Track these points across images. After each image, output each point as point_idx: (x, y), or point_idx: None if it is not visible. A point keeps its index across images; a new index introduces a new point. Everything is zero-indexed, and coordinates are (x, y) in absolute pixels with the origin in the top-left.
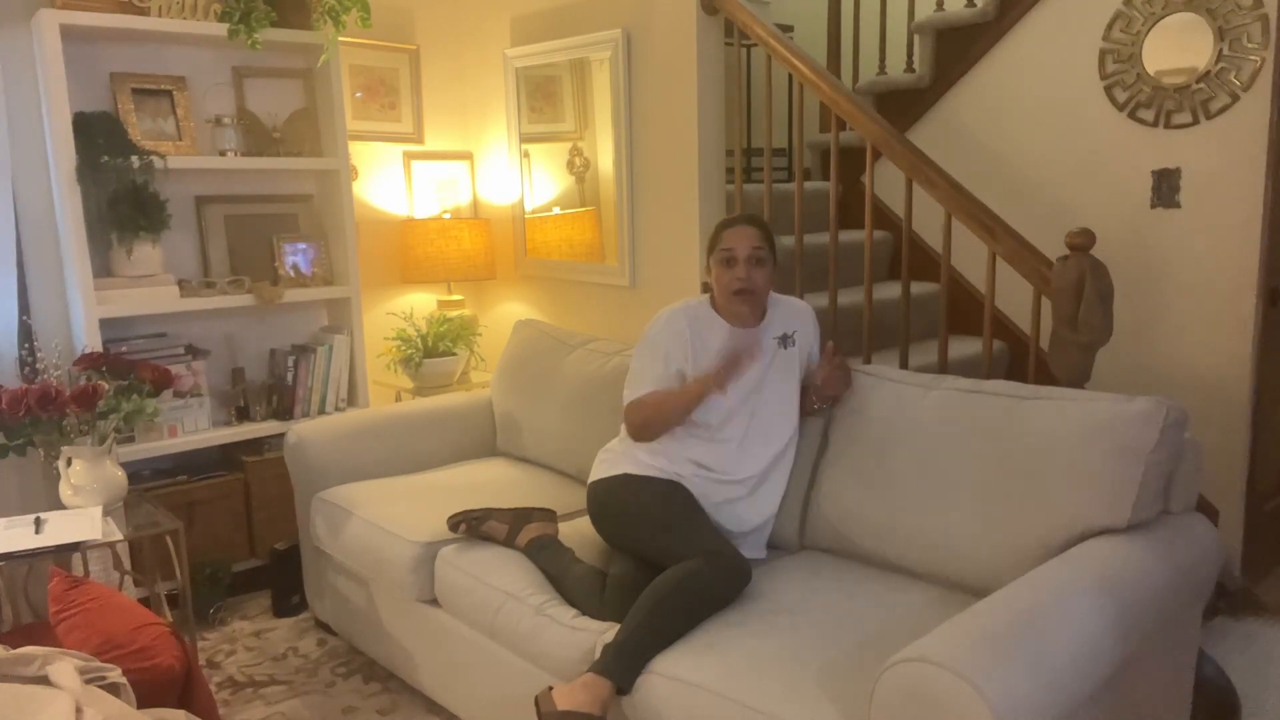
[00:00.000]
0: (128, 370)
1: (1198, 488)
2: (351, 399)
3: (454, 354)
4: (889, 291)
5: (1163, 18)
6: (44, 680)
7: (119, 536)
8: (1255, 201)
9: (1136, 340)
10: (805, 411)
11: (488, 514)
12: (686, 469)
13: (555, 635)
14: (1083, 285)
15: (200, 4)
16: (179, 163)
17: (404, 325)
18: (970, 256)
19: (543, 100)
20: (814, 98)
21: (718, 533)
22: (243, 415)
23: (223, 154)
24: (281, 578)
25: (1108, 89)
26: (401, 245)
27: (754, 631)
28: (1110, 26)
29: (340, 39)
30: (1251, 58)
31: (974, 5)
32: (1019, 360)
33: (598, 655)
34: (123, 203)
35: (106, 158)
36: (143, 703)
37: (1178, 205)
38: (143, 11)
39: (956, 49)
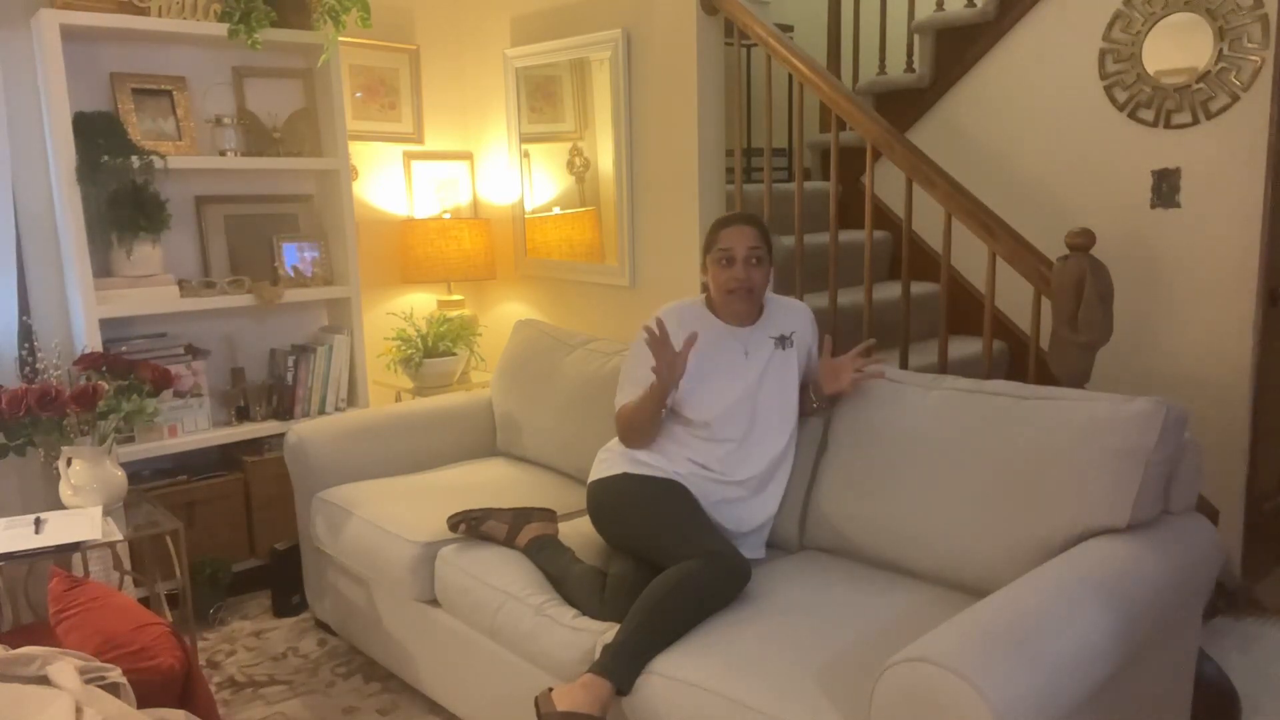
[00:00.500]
0: (128, 370)
1: (1198, 488)
2: (351, 399)
3: (454, 354)
4: (889, 291)
5: (1163, 18)
6: (44, 680)
7: (119, 536)
8: (1255, 201)
9: (1136, 340)
10: (805, 411)
11: (488, 514)
12: (685, 468)
13: (555, 635)
14: (1083, 285)
15: (200, 4)
16: (179, 163)
17: (404, 325)
18: (970, 256)
19: (543, 100)
20: (814, 98)
21: (717, 532)
22: (243, 415)
23: (223, 154)
24: (281, 578)
25: (1108, 89)
26: (401, 245)
27: (754, 631)
28: (1110, 26)
29: (340, 39)
30: (1251, 58)
31: (974, 5)
32: (1019, 360)
33: (597, 655)
34: (123, 203)
35: (106, 158)
36: (143, 703)
37: (1178, 205)
38: (143, 11)
39: (956, 49)
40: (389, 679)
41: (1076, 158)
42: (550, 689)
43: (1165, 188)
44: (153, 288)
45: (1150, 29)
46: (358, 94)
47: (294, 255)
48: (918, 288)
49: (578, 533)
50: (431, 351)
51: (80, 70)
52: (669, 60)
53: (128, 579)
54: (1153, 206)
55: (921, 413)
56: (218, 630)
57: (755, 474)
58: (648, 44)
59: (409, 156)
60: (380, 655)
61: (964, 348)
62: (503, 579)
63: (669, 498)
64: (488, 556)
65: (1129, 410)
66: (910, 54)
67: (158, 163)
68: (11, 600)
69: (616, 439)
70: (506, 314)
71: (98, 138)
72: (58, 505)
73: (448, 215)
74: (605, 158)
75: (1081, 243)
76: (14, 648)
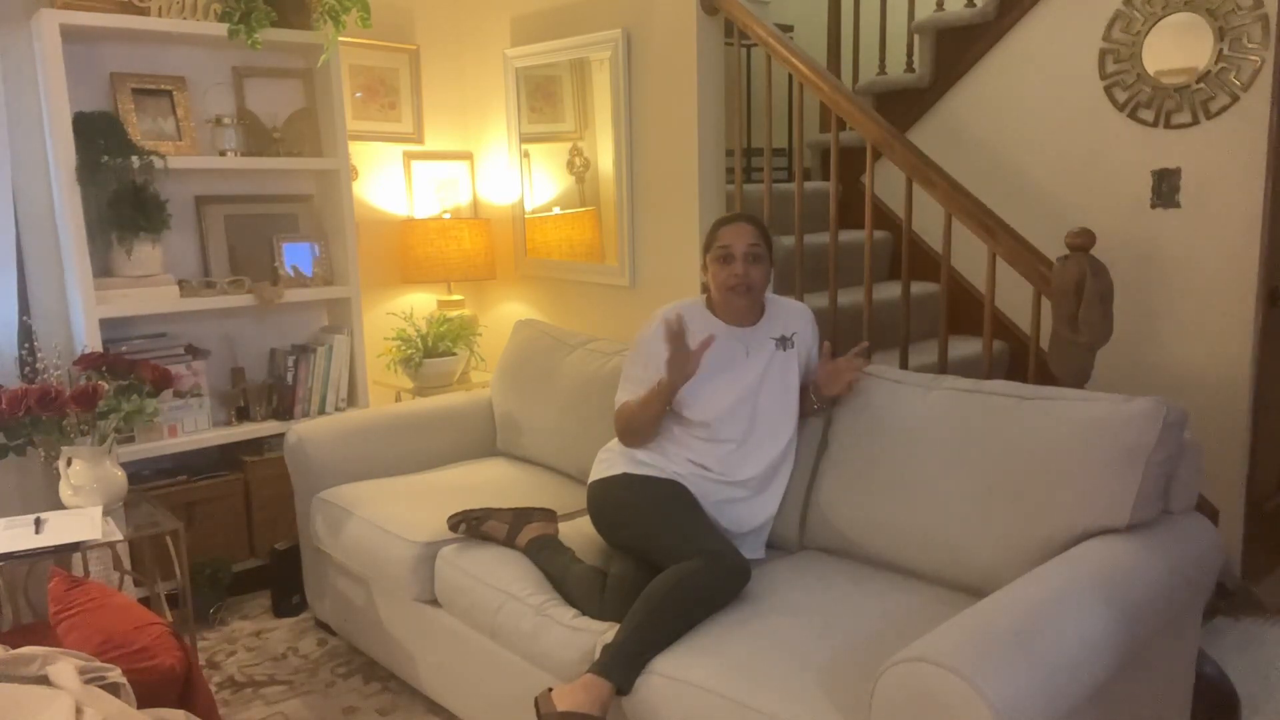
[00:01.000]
0: (128, 370)
1: (1198, 488)
2: (351, 399)
3: (454, 354)
4: (889, 291)
5: (1163, 18)
6: (44, 680)
7: (119, 536)
8: (1255, 201)
9: (1136, 340)
10: (805, 413)
11: (488, 514)
12: (685, 468)
13: (555, 635)
14: (1083, 285)
15: (200, 4)
16: (179, 163)
17: (404, 325)
18: (970, 256)
19: (543, 100)
20: (814, 98)
21: (717, 532)
22: (243, 415)
23: (223, 154)
24: (281, 578)
25: (1108, 89)
26: (401, 245)
27: (754, 631)
28: (1110, 26)
29: (340, 39)
30: (1251, 58)
31: (974, 5)
32: (1019, 360)
33: (597, 655)
34: (123, 203)
35: (106, 158)
36: (143, 703)
37: (1178, 205)
38: (143, 11)
39: (956, 49)
40: (389, 679)
41: (1076, 158)
42: (550, 689)
43: (1165, 188)
44: (153, 288)
45: (1150, 29)
46: (358, 94)
47: (294, 255)
48: (918, 288)
49: (578, 533)
50: (431, 351)
51: (80, 70)
52: (669, 60)
53: (128, 579)
54: (1153, 206)
55: (921, 413)
56: (218, 630)
57: (755, 474)
58: (648, 44)
59: (409, 156)
60: (380, 655)
61: (964, 348)
62: (503, 579)
63: (669, 498)
64: (488, 556)
65: (1129, 410)
66: (910, 54)
67: (158, 163)
68: (11, 600)
69: (616, 439)
70: (506, 314)
71: (98, 138)
72: (58, 505)
73: (448, 215)
74: (605, 158)
75: (1081, 243)
76: (14, 648)
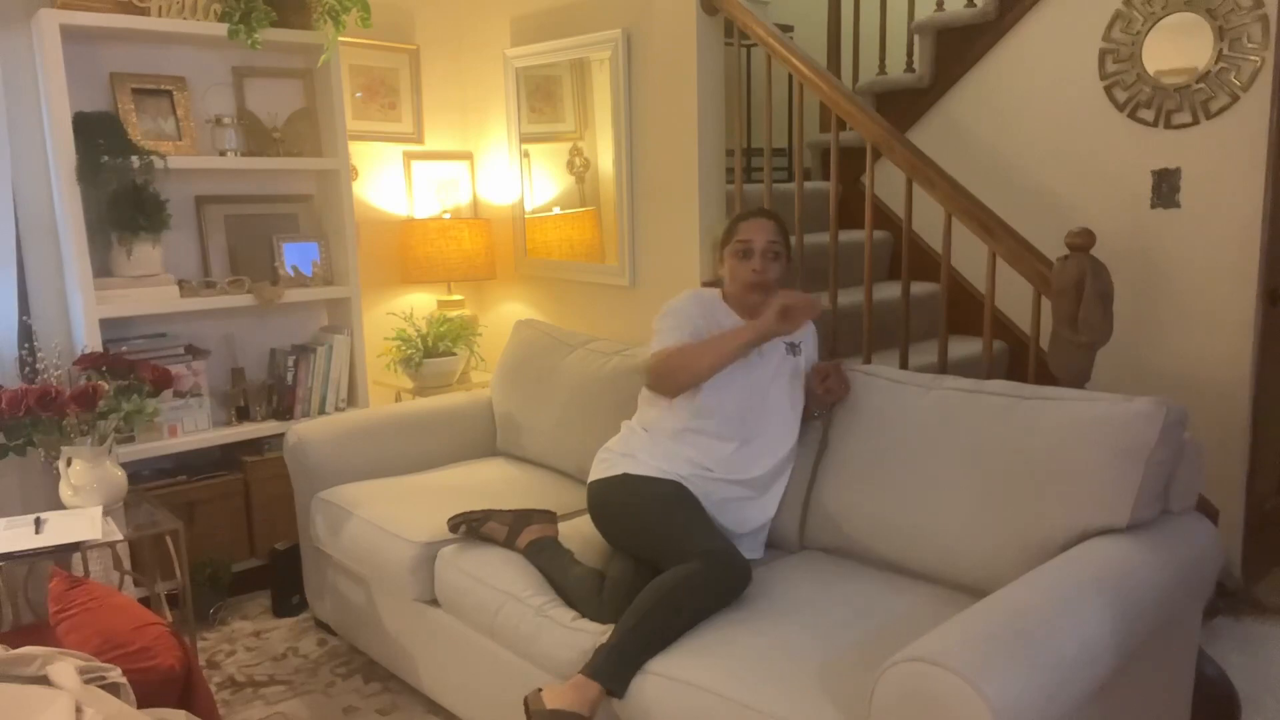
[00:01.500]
0: (128, 370)
1: (1198, 488)
2: (351, 399)
3: (454, 354)
4: (889, 291)
5: (1163, 18)
6: (44, 680)
7: (119, 536)
8: (1255, 201)
9: (1136, 340)
10: (805, 418)
11: (488, 515)
12: (686, 469)
13: (555, 636)
14: (1083, 285)
15: (200, 4)
16: (179, 163)
17: (404, 325)
18: (970, 256)
19: (543, 100)
20: (814, 98)
21: (718, 532)
22: (243, 415)
23: (223, 154)
24: (281, 578)
25: (1108, 89)
26: (401, 245)
27: (753, 631)
28: (1110, 26)
29: (340, 39)
30: (1251, 58)
31: (974, 5)
32: (1019, 360)
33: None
34: (123, 203)
35: (106, 158)
36: (143, 703)
37: (1178, 205)
38: (143, 11)
39: (956, 49)
40: (389, 679)
41: (1076, 158)
42: (540, 689)
43: (1165, 188)
44: (153, 288)
45: (1150, 29)
46: (358, 94)
47: (294, 255)
48: (918, 288)
49: (578, 533)
50: (431, 351)
51: (80, 70)
52: (669, 60)
53: (128, 579)
54: (1153, 206)
55: (922, 413)
56: (218, 630)
57: (761, 474)
58: (648, 44)
59: (409, 156)
60: (380, 655)
61: (964, 348)
62: (503, 580)
63: (670, 498)
64: (488, 557)
65: (1129, 410)
66: (910, 54)
67: (158, 163)
68: (11, 600)
69: (616, 439)
70: (506, 314)
71: (98, 138)
72: (58, 505)
73: (448, 215)
74: (605, 158)
75: (1081, 243)
76: (14, 648)
